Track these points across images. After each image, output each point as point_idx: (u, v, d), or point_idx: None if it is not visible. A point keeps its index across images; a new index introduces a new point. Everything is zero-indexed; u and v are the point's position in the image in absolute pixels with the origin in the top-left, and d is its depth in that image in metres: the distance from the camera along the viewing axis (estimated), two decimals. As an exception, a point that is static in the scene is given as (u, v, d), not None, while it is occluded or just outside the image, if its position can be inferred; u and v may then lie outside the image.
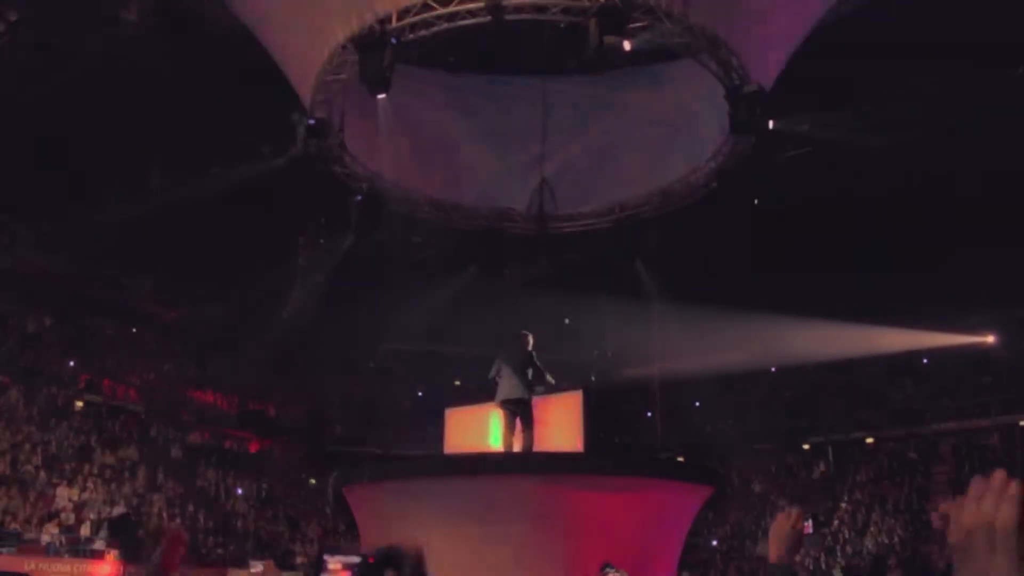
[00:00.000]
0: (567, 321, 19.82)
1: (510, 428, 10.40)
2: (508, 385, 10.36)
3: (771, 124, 13.85)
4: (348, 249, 18.48)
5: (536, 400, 11.08)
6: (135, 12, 15.45)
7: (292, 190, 18.42)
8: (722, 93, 13.65)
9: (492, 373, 10.49)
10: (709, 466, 11.43)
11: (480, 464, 10.25)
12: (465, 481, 9.75)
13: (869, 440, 26.27)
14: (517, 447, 10.33)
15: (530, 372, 10.32)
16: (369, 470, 10.84)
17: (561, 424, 11.63)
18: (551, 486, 9.58)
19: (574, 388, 11.38)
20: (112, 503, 21.32)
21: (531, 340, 10.49)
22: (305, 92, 14.38)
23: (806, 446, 27.08)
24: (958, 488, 23.75)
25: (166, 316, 26.74)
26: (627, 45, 12.05)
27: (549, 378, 10.38)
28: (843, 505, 24.66)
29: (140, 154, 19.17)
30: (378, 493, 10.52)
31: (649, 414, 25.44)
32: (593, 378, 11.18)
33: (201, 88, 17.49)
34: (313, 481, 26.40)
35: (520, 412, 10.37)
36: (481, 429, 11.33)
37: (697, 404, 29.49)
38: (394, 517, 9.70)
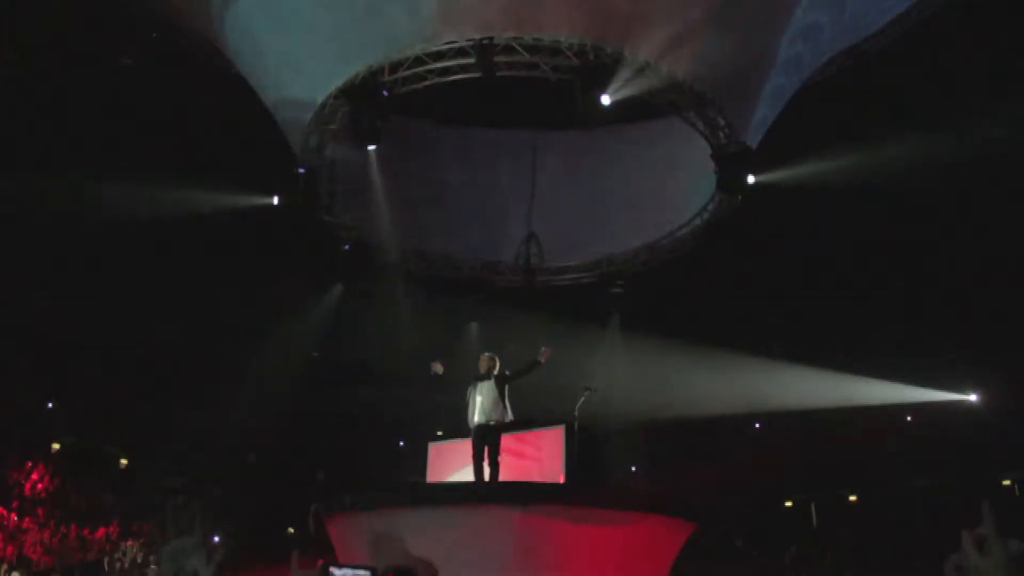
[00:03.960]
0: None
1: (478, 455, 10.35)
2: (476, 409, 10.38)
3: (752, 180, 14.01)
4: (334, 296, 18.49)
5: (519, 434, 11.06)
6: (132, 57, 15.59)
7: (280, 237, 18.43)
8: (709, 150, 13.84)
9: (467, 398, 10.54)
10: (692, 501, 11.37)
11: (463, 494, 10.19)
12: (448, 510, 9.69)
13: (852, 497, 26.15)
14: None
15: (503, 396, 10.34)
16: (352, 499, 10.69)
17: (543, 458, 11.65)
18: (534, 516, 9.52)
19: (557, 423, 11.42)
20: (85, 549, 20.90)
21: (498, 363, 10.52)
22: (296, 140, 14.47)
23: (788, 503, 26.92)
24: (942, 547, 23.61)
25: (147, 359, 26.49)
26: (606, 100, 12.22)
27: (508, 411, 10.40)
28: (826, 564, 24.45)
29: (127, 195, 19.12)
30: (360, 522, 10.38)
31: (633, 468, 25.31)
32: (576, 414, 11.12)
33: (192, 131, 17.59)
34: (292, 530, 25.99)
35: (487, 439, 10.33)
36: (464, 462, 11.27)
37: (680, 457, 29.33)
38: (376, 546, 9.61)
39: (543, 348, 10.31)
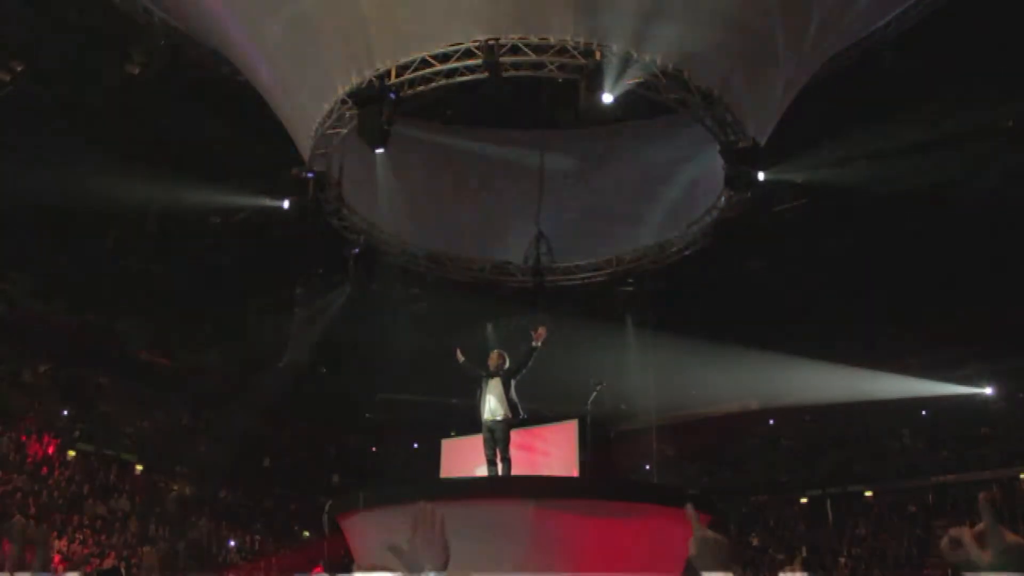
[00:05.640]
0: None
1: (489, 451, 10.45)
2: (485, 406, 10.47)
3: (761, 176, 13.98)
4: (345, 300, 18.52)
5: (532, 429, 11.08)
6: (138, 65, 15.66)
7: (290, 241, 18.49)
8: (718, 147, 13.81)
9: (479, 395, 10.60)
10: (704, 492, 11.35)
11: (477, 488, 10.19)
12: (462, 505, 9.70)
13: (868, 493, 26.04)
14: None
15: (509, 392, 10.39)
16: (365, 496, 10.71)
17: (557, 452, 11.68)
18: (549, 510, 9.52)
19: (569, 417, 11.45)
20: (102, 555, 21.02)
21: (508, 360, 10.59)
22: (304, 145, 14.51)
23: (804, 499, 26.82)
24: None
25: (161, 365, 26.64)
26: (608, 98, 12.23)
27: (518, 406, 10.46)
28: (842, 560, 24.36)
29: (138, 203, 19.22)
30: (375, 519, 10.39)
31: (647, 467, 25.28)
32: (589, 408, 11.17)
33: (201, 138, 17.66)
34: (307, 533, 26.08)
35: (496, 435, 10.41)
36: (477, 458, 11.32)
37: (694, 455, 29.28)
38: (389, 543, 9.55)
39: (536, 330, 10.36)
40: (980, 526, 1.76)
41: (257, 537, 25.65)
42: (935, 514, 24.58)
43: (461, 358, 10.90)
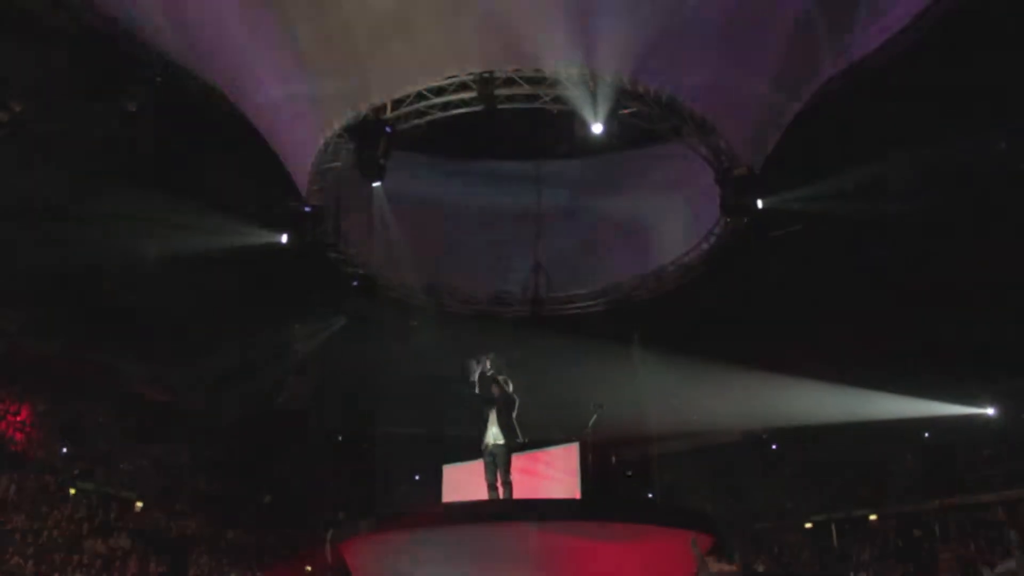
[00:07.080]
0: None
1: (490, 476, 10.45)
2: (487, 431, 10.50)
3: (760, 204, 14.04)
4: (343, 333, 18.52)
5: (534, 454, 11.08)
6: (135, 104, 15.75)
7: (289, 274, 18.51)
8: (713, 175, 13.89)
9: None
10: (707, 514, 11.27)
11: (479, 512, 10.15)
12: (464, 529, 9.67)
13: (872, 517, 25.85)
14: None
15: (509, 414, 10.39)
16: (367, 523, 10.68)
17: (558, 476, 11.65)
18: (551, 533, 9.48)
19: (570, 441, 11.44)
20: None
21: (510, 386, 10.59)
22: (302, 179, 14.58)
23: (808, 524, 26.63)
24: (965, 565, 23.34)
25: (160, 402, 26.53)
26: (598, 128, 12.33)
27: (516, 432, 10.46)
28: (848, 585, 24.19)
29: (135, 237, 19.24)
30: (377, 545, 10.36)
31: (650, 495, 25.16)
32: (590, 429, 11.18)
33: (199, 173, 17.73)
34: (309, 568, 25.88)
35: (497, 459, 10.42)
36: (478, 483, 11.29)
37: (696, 481, 29.15)
38: (394, 569, 9.57)
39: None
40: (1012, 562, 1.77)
41: (259, 574, 25.43)
42: (940, 537, 24.41)
43: (476, 373, 10.87)
